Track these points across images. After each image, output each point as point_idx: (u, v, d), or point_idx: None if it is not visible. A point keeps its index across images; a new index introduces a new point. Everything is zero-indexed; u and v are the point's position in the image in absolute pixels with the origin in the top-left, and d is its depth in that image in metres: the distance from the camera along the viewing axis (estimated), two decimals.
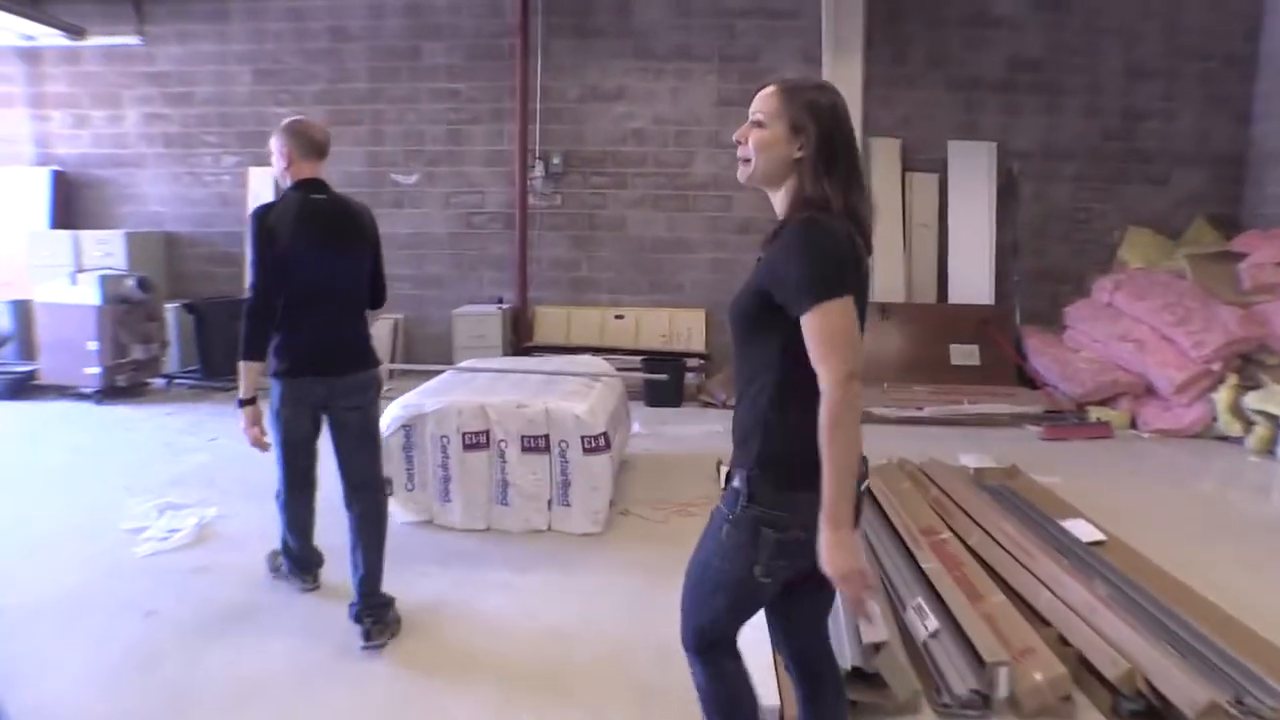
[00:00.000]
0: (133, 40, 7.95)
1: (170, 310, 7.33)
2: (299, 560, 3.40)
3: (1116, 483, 5.05)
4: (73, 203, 8.22)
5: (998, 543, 3.59)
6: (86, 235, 7.61)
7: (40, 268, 7.31)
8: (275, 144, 3.03)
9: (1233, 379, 5.95)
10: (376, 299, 3.28)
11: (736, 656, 1.87)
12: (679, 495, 4.52)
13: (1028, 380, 6.98)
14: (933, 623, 2.90)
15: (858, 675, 2.60)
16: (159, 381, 7.20)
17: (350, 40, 7.86)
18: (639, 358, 7.07)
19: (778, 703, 2.48)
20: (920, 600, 3.05)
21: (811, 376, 1.58)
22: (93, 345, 6.52)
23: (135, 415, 6.38)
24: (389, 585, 3.15)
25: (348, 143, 7.88)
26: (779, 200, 1.72)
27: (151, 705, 2.65)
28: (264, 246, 2.92)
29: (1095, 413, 6.37)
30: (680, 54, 7.64)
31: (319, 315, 3.00)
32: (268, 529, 3.45)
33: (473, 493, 4.06)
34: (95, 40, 7.93)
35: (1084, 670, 2.74)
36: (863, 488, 1.68)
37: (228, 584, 3.47)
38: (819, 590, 1.82)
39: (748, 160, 1.71)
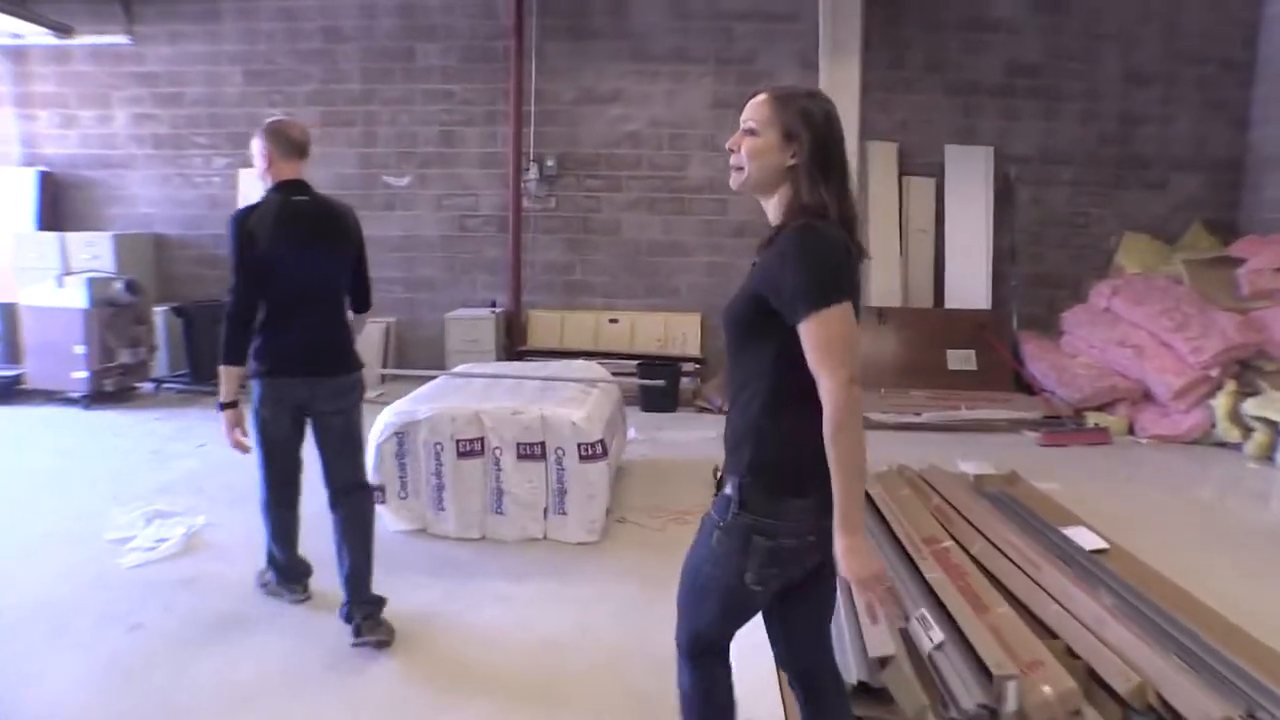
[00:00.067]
0: (122, 40, 7.85)
1: (159, 313, 7.25)
2: (286, 570, 3.33)
3: (1115, 489, 5.02)
4: (60, 204, 8.11)
5: (1001, 552, 3.54)
6: (74, 237, 7.50)
7: (26, 270, 7.20)
8: (256, 145, 3.01)
9: (1231, 385, 5.93)
10: (362, 301, 3.26)
11: (726, 665, 1.86)
12: (676, 502, 4.47)
13: (1025, 386, 6.95)
14: (938, 634, 2.84)
15: (863, 690, 2.54)
16: (147, 386, 7.11)
17: (343, 41, 7.78)
18: (634, 362, 7.01)
19: (782, 717, 2.42)
20: (924, 611, 2.99)
21: (805, 382, 1.58)
22: (79, 349, 6.43)
23: (123, 421, 6.29)
24: (381, 593, 3.11)
25: (340, 144, 7.83)
26: (772, 207, 1.72)
27: (140, 717, 2.58)
28: (243, 250, 2.90)
29: (1093, 418, 6.34)
30: (676, 56, 7.59)
31: (301, 317, 2.98)
32: (257, 538, 3.37)
33: (467, 501, 3.99)
34: (83, 39, 7.83)
35: (1093, 683, 2.68)
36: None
37: (216, 595, 3.40)
38: (814, 597, 1.82)
39: (740, 168, 1.71)
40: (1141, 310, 6.48)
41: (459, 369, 5.40)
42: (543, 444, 3.97)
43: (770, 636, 1.93)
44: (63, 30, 7.71)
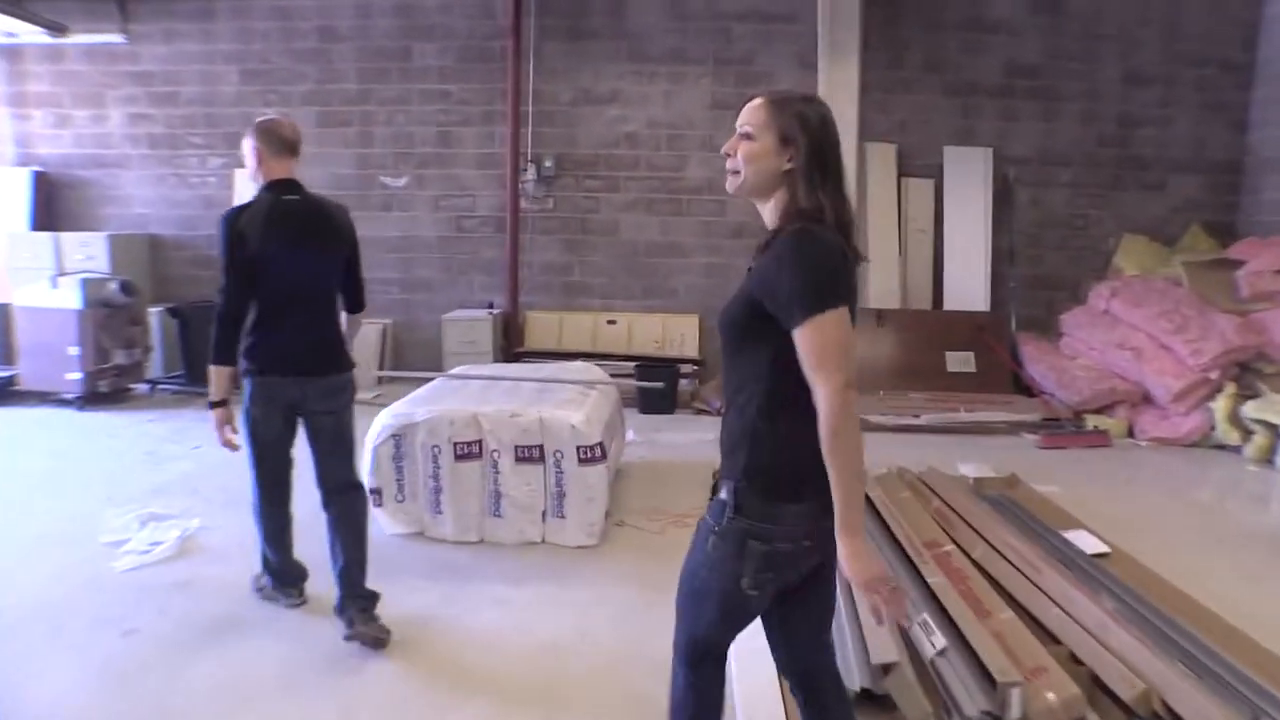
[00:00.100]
0: (116, 38, 7.80)
1: (154, 314, 7.20)
2: (280, 574, 3.30)
3: (1114, 492, 5.01)
4: (54, 204, 8.05)
5: (1002, 556, 3.52)
6: (68, 237, 7.45)
7: (20, 270, 7.15)
8: (246, 144, 3.01)
9: (1230, 387, 5.91)
10: (356, 302, 3.26)
11: (722, 673, 1.87)
12: (675, 505, 4.44)
13: (1024, 388, 6.93)
14: (940, 640, 2.81)
15: (866, 696, 2.52)
16: (142, 387, 7.07)
17: (339, 40, 7.74)
18: (632, 364, 6.98)
19: None
20: (926, 616, 2.97)
21: (801, 386, 1.58)
22: (74, 350, 6.38)
23: (117, 422, 6.25)
24: (379, 598, 3.09)
25: (336, 144, 7.79)
26: (768, 211, 1.72)
27: None
28: (234, 250, 2.90)
29: (1092, 421, 6.33)
30: (675, 57, 7.56)
31: (292, 317, 2.98)
32: (252, 541, 3.33)
33: (465, 504, 3.96)
34: (78, 38, 7.77)
35: (1097, 690, 2.66)
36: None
37: (211, 599, 3.36)
38: (813, 601, 1.82)
39: (737, 172, 1.72)
40: (1141, 312, 6.47)
41: (456, 370, 5.37)
42: (541, 447, 3.94)
43: (770, 641, 1.92)
44: (57, 29, 7.65)
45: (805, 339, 1.56)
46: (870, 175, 7.46)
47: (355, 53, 7.73)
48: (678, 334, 7.66)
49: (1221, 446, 5.90)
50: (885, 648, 2.63)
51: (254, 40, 7.78)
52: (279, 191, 2.99)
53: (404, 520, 4.04)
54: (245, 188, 7.55)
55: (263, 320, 2.96)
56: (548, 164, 7.67)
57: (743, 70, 7.51)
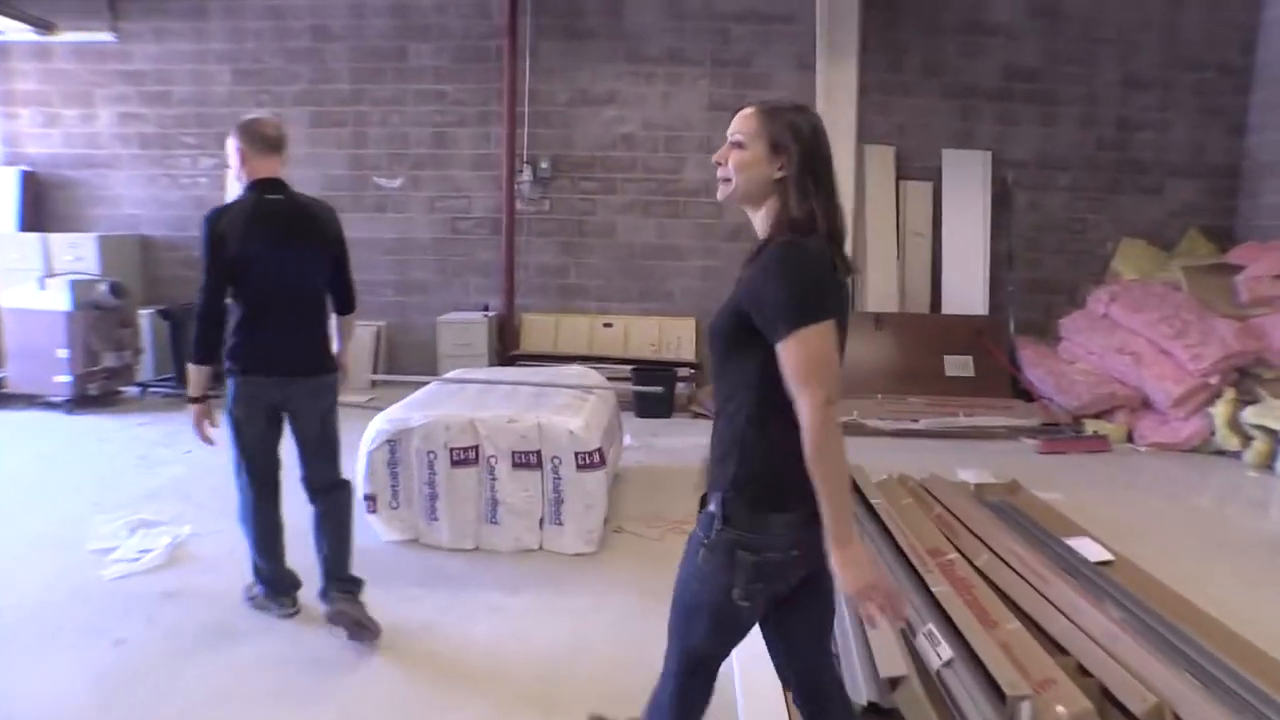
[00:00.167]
0: (106, 36, 7.71)
1: (144, 316, 7.12)
2: (272, 583, 3.23)
3: (1114, 498, 4.98)
4: (42, 204, 7.95)
5: (1007, 564, 3.47)
6: (57, 238, 7.36)
7: (8, 271, 7.05)
8: (230, 144, 3.00)
9: (1230, 393, 5.90)
10: (345, 303, 3.25)
11: (709, 687, 1.87)
12: (673, 511, 4.38)
13: (1023, 392, 6.90)
14: (946, 651, 2.76)
15: (874, 710, 2.47)
16: (132, 390, 6.99)
17: (333, 40, 7.67)
18: (628, 367, 6.93)
19: None
20: (931, 626, 2.92)
21: (789, 397, 1.60)
22: (63, 352, 6.31)
23: (107, 426, 6.16)
24: (373, 604, 3.07)
25: (329, 145, 7.72)
26: (759, 220, 1.73)
27: None
28: (215, 250, 2.90)
29: (1092, 426, 6.30)
30: (672, 58, 7.52)
31: (275, 317, 2.97)
32: (244, 548, 3.26)
33: (461, 511, 3.89)
34: (66, 36, 7.68)
35: (1107, 702, 2.61)
36: None
37: (202, 609, 3.29)
38: (810, 610, 1.81)
39: (728, 180, 1.73)
40: (1140, 317, 6.45)
41: (452, 374, 5.30)
42: (539, 453, 3.88)
43: (771, 653, 1.91)
44: (44, 26, 7.56)
45: (788, 353, 1.57)
46: (869, 178, 7.43)
47: (349, 52, 7.66)
48: (674, 337, 7.61)
49: (1221, 452, 5.89)
50: (893, 661, 2.57)
51: (247, 39, 7.71)
52: (263, 191, 2.98)
53: (399, 527, 3.97)
54: (236, 188, 7.49)
55: (246, 320, 2.97)
56: (544, 165, 7.62)
57: (741, 71, 7.47)
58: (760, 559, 1.64)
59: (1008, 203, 7.51)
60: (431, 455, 3.87)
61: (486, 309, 7.69)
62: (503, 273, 7.68)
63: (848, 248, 1.73)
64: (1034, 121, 7.51)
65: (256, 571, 3.24)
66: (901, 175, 7.53)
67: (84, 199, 7.99)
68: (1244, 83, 7.40)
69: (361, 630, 3.00)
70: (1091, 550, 3.74)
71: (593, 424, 4.06)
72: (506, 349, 7.59)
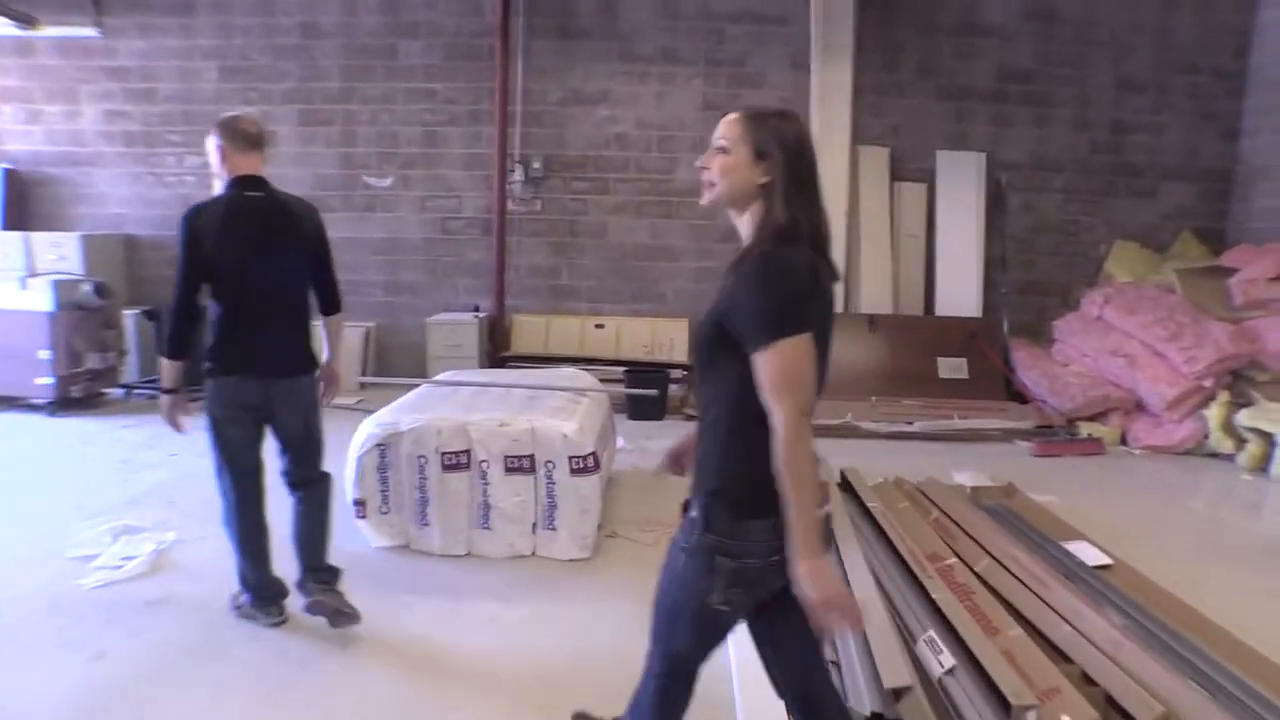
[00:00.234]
0: (90, 32, 7.59)
1: (129, 317, 7.03)
2: (259, 591, 3.15)
3: (1109, 501, 4.96)
4: (25, 203, 7.82)
5: (1007, 569, 3.43)
6: (39, 237, 7.25)
7: None
8: (210, 142, 2.99)
9: (1224, 395, 5.89)
10: (330, 303, 3.21)
11: (689, 691, 1.88)
12: (668, 514, 4.22)
13: (1017, 394, 6.88)
14: (948, 659, 2.72)
15: None
16: (117, 392, 6.88)
17: (322, 37, 7.58)
18: (620, 369, 6.87)
19: None
20: (932, 633, 2.87)
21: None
22: (45, 354, 6.20)
23: (91, 428, 6.05)
24: (365, 613, 3.04)
25: (319, 144, 7.63)
26: (744, 224, 1.75)
27: None
28: (191, 248, 2.89)
29: (1086, 428, 6.29)
30: (666, 57, 7.47)
31: (255, 316, 2.95)
32: (230, 556, 3.18)
33: (452, 516, 3.82)
34: (49, 31, 7.55)
35: (1113, 711, 2.57)
36: (823, 512, 1.72)
37: (186, 619, 3.20)
38: (798, 617, 1.78)
39: (712, 184, 1.76)
40: (1134, 319, 6.43)
41: (442, 376, 5.23)
42: (532, 457, 3.82)
43: (763, 661, 1.90)
44: (27, 21, 7.42)
45: (763, 364, 1.58)
46: (863, 179, 7.40)
47: (339, 50, 7.57)
48: (667, 338, 7.55)
49: (1215, 455, 5.88)
50: (897, 670, 2.52)
51: (234, 36, 7.61)
52: (242, 188, 2.96)
53: (389, 533, 3.90)
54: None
55: (226, 319, 2.95)
56: (536, 165, 7.56)
57: (735, 72, 7.42)
58: (739, 565, 1.65)
59: (1002, 205, 7.49)
60: (422, 459, 3.80)
61: (477, 310, 7.62)
62: (493, 273, 7.61)
63: (837, 252, 1.74)
64: (1028, 124, 7.50)
65: (243, 579, 3.16)
66: (896, 177, 7.51)
67: (67, 197, 7.87)
68: (1237, 86, 7.41)
69: (341, 617, 3.00)
70: (1089, 554, 3.70)
71: (587, 427, 4.00)
72: (497, 350, 7.52)
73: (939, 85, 7.46)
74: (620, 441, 5.41)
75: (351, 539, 3.83)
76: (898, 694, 2.46)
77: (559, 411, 4.09)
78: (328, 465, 3.29)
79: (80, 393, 6.45)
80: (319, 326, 3.24)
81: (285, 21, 7.57)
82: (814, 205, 1.70)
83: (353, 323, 7.20)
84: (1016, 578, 3.36)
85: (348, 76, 7.59)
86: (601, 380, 5.45)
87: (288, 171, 7.19)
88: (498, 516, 3.83)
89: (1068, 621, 2.99)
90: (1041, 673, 2.66)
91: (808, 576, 1.58)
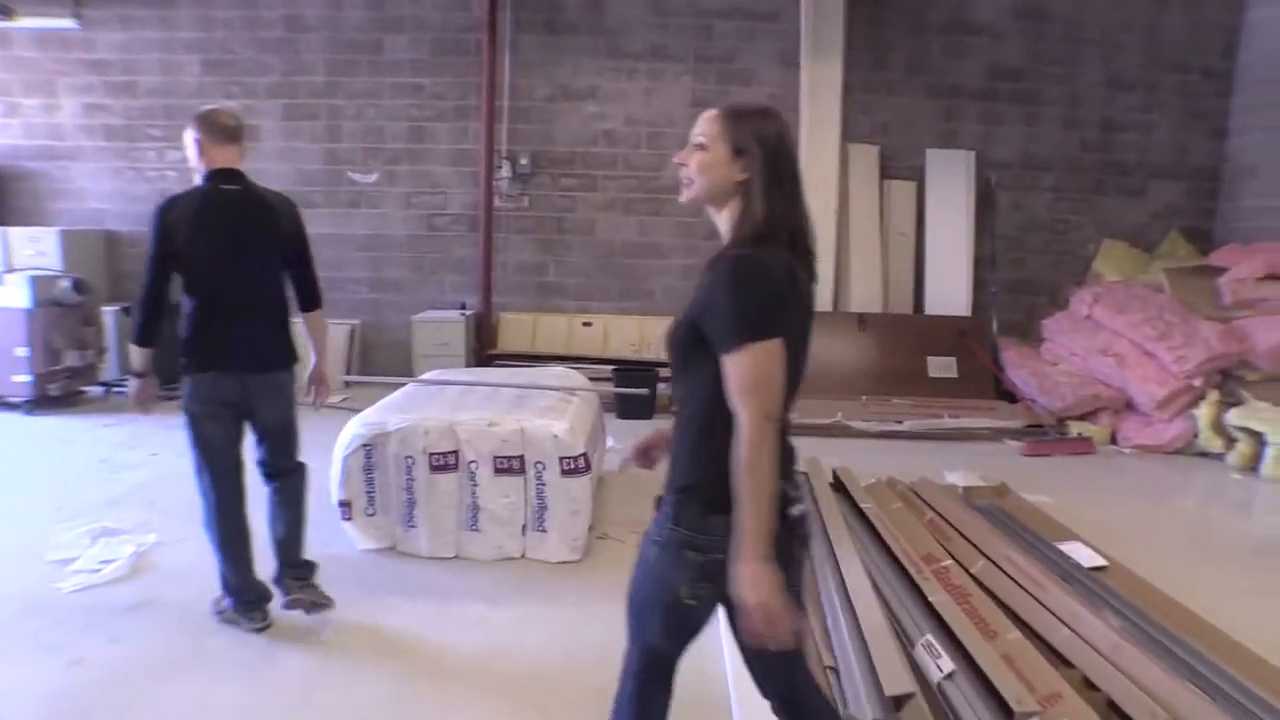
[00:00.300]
0: (69, 23, 7.45)
1: (109, 314, 6.90)
2: (241, 594, 3.08)
3: (1100, 500, 4.95)
4: (2, 197, 7.67)
5: (1003, 571, 3.40)
6: (16, 232, 7.12)
7: None
8: (187, 136, 2.96)
9: (1214, 395, 5.89)
10: (309, 299, 3.17)
11: (667, 687, 1.88)
12: None
13: (1006, 393, 6.87)
14: (947, 663, 2.68)
15: None
16: (96, 390, 6.78)
17: (306, 30, 7.47)
18: (608, 367, 6.82)
19: None
20: (930, 637, 2.83)
21: None
22: (22, 351, 6.09)
23: (70, 427, 5.94)
24: (351, 616, 3.01)
25: (303, 139, 7.52)
26: (722, 221, 1.74)
27: None
28: (161, 242, 2.87)
29: (1075, 427, 6.28)
30: (655, 53, 7.41)
31: (230, 311, 2.92)
32: (212, 558, 3.10)
33: (440, 518, 3.75)
34: (27, 22, 7.40)
35: (1114, 716, 2.54)
36: (796, 513, 1.70)
37: (167, 624, 3.12)
38: None
39: (690, 181, 1.75)
40: (1123, 319, 6.43)
41: (429, 375, 5.15)
42: (521, 458, 3.75)
43: (745, 662, 1.88)
44: (4, 12, 7.27)
45: (733, 366, 1.58)
46: (852, 177, 7.37)
47: (324, 44, 7.47)
48: (655, 336, 7.47)
49: (1205, 454, 5.89)
50: (897, 677, 2.48)
51: (216, 29, 7.49)
52: (218, 181, 2.93)
53: (374, 535, 3.82)
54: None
55: (199, 314, 2.92)
56: (523, 161, 7.48)
57: (724, 68, 7.38)
58: (706, 559, 1.64)
59: (991, 203, 7.48)
60: (409, 460, 3.72)
61: (463, 308, 7.54)
62: (480, 270, 7.53)
63: (826, 250, 1.69)
64: (1018, 122, 7.50)
65: (225, 583, 3.09)
66: (885, 175, 7.49)
67: (46, 192, 7.72)
68: (1225, 85, 7.43)
69: (318, 607, 3.06)
70: (1084, 555, 3.68)
71: (577, 427, 3.94)
72: (484, 348, 7.45)
73: (929, 83, 7.44)
74: (610, 441, 5.35)
75: (336, 541, 3.75)
76: (899, 701, 2.41)
77: (549, 411, 4.03)
78: (313, 468, 3.24)
79: (58, 391, 6.34)
80: (299, 324, 3.18)
81: (268, 14, 7.46)
82: (793, 203, 1.69)
83: (337, 320, 7.10)
84: (1013, 580, 3.32)
85: (332, 71, 7.49)
86: (590, 379, 5.39)
87: (271, 167, 7.08)
88: (486, 518, 3.76)
89: (1066, 624, 2.96)
90: (1042, 677, 2.63)
91: (748, 580, 1.57)
